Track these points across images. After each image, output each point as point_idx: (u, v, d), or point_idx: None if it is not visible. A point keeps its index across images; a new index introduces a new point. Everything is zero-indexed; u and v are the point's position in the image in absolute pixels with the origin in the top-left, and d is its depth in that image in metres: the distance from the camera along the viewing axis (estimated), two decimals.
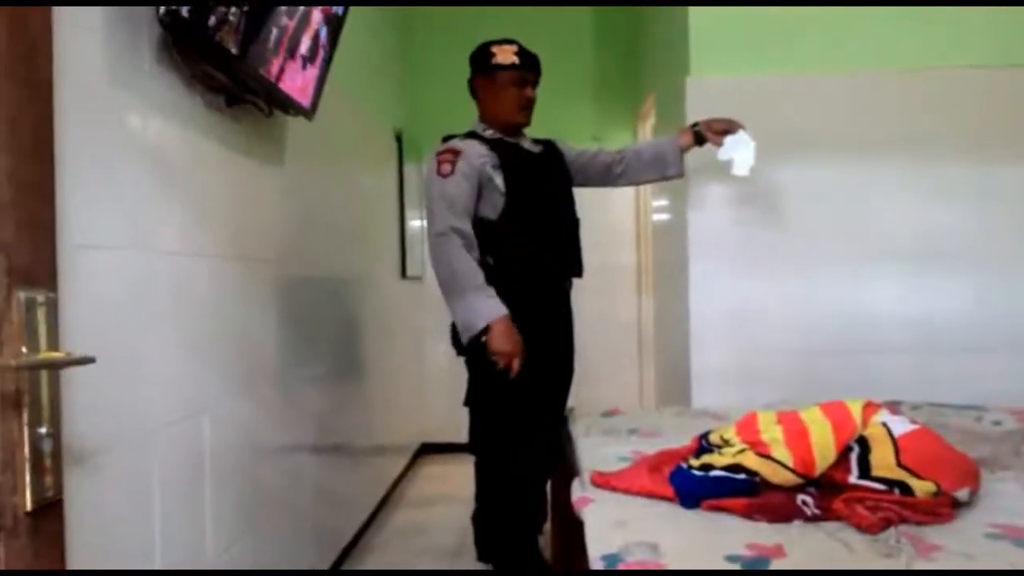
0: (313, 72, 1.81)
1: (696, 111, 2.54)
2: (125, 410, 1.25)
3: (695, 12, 2.59)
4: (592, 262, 2.25)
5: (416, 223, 3.94)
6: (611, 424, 2.15)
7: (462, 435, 2.14)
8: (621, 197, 4.07)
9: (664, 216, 3.19)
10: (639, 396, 4.15)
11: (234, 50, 1.39)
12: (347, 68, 2.51)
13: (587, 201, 2.26)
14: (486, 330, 1.92)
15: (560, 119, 2.59)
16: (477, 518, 2.13)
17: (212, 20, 1.31)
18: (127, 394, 1.25)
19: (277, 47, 1.57)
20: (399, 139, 3.68)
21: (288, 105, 1.79)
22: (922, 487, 1.30)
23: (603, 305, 4.07)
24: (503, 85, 2.08)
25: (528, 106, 2.10)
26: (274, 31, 1.55)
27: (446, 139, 2.13)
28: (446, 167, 2.00)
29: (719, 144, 2.25)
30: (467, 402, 2.06)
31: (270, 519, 1.88)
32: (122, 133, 1.27)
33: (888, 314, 2.57)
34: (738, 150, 2.22)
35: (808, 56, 2.59)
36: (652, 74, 3.53)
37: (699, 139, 2.29)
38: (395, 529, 3.06)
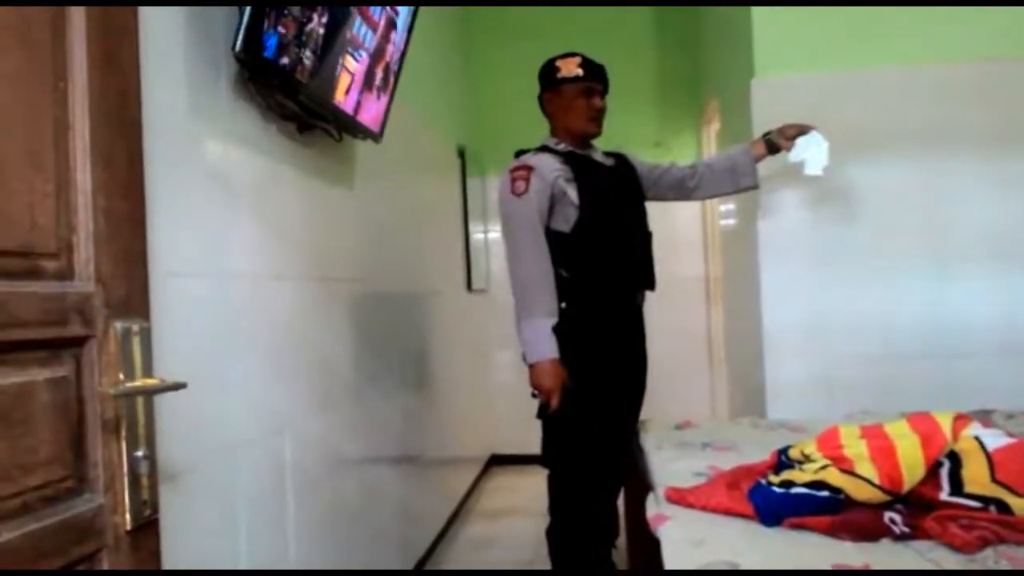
0: (385, 100, 1.86)
1: (762, 113, 2.49)
2: (211, 429, 1.30)
3: (758, 12, 2.54)
4: (660, 273, 2.21)
5: (479, 236, 3.98)
6: (683, 437, 2.12)
7: (530, 447, 2.14)
8: (687, 206, 4.00)
9: (732, 223, 3.12)
10: (711, 408, 4.06)
11: (304, 80, 1.45)
12: (411, 86, 2.57)
13: (652, 212, 2.23)
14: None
15: (622, 125, 2.57)
16: (551, 533, 2.12)
17: (285, 60, 1.36)
18: (213, 414, 1.31)
19: (351, 79, 1.63)
20: (462, 154, 3.73)
21: (358, 130, 1.84)
22: (1020, 505, 1.23)
23: (672, 316, 4.00)
24: (570, 97, 2.08)
25: (597, 116, 2.10)
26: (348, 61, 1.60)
27: (518, 154, 2.14)
28: (520, 184, 2.01)
29: (790, 148, 2.20)
30: (540, 414, 2.06)
31: (349, 531, 1.92)
32: (202, 163, 1.33)
33: (974, 316, 2.44)
34: (810, 150, 2.18)
35: (873, 50, 2.49)
36: (715, 77, 3.48)
37: (771, 147, 2.25)
38: (467, 542, 3.08)
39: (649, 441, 2.08)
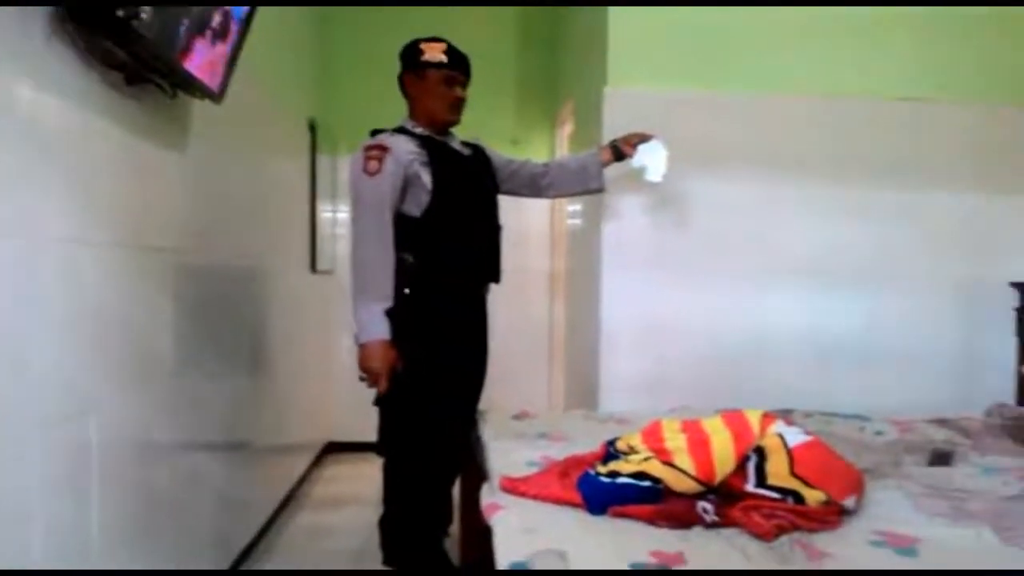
0: (223, 50, 1.71)
1: (613, 120, 2.60)
2: (1, 408, 1.14)
3: (615, 16, 2.63)
4: (508, 266, 2.24)
5: (328, 215, 3.83)
6: (521, 428, 2.16)
7: (369, 434, 2.10)
8: (537, 203, 4.09)
9: (579, 223, 3.23)
10: (548, 400, 4.19)
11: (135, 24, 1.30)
12: (259, 53, 2.41)
13: (505, 206, 2.26)
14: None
15: (481, 119, 2.58)
16: (384, 523, 2.09)
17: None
18: (3, 391, 1.15)
19: (183, 22, 1.48)
20: (313, 128, 3.56)
21: (194, 86, 1.69)
22: (813, 496, 1.37)
23: (516, 309, 4.09)
24: (432, 83, 2.05)
25: (457, 105, 2.09)
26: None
27: (374, 133, 2.07)
28: (373, 164, 1.95)
29: (633, 155, 2.32)
30: (377, 401, 2.01)
31: (163, 520, 1.78)
32: (5, 109, 1.16)
33: (787, 326, 2.71)
34: (651, 157, 2.30)
35: (721, 73, 2.69)
36: (572, 81, 3.58)
37: (617, 154, 2.36)
38: (297, 531, 2.97)
39: (487, 431, 2.10)
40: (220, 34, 1.67)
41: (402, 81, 2.11)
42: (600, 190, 2.42)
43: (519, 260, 4.10)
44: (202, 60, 1.61)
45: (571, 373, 3.44)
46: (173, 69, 1.54)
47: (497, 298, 2.25)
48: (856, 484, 1.45)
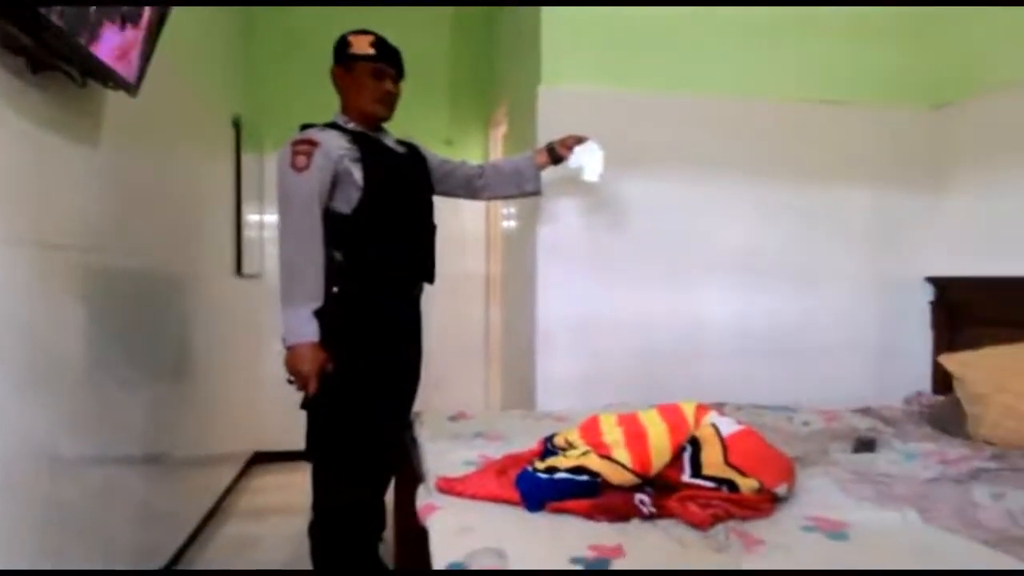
0: (135, 35, 1.62)
1: (547, 120, 2.60)
2: None
3: (548, 16, 2.63)
4: (443, 268, 2.21)
5: (255, 217, 3.71)
6: (457, 428, 2.13)
7: (298, 443, 2.02)
8: (472, 206, 4.08)
9: (514, 226, 3.22)
10: (485, 401, 4.17)
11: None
12: (180, 46, 2.31)
13: (439, 208, 2.22)
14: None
15: (415, 119, 2.54)
16: (314, 529, 2.01)
17: None
18: None
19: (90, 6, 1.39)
20: (237, 126, 3.43)
21: (105, 75, 1.59)
22: (747, 484, 1.39)
23: (452, 312, 4.06)
24: (360, 76, 1.99)
25: (386, 99, 2.03)
26: None
27: (304, 128, 2.00)
28: (301, 160, 1.88)
29: (569, 157, 2.32)
30: (304, 404, 1.94)
31: (71, 536, 1.66)
32: None
33: (718, 321, 2.76)
34: (587, 157, 2.30)
35: (655, 74, 2.72)
36: (506, 81, 3.57)
37: (554, 157, 2.35)
38: (223, 544, 2.84)
39: (423, 432, 2.06)
40: (131, 18, 1.58)
41: (333, 75, 2.05)
42: (536, 193, 2.42)
43: (455, 263, 4.08)
44: (112, 46, 1.52)
45: (508, 374, 3.42)
46: (80, 55, 1.45)
47: (433, 301, 2.22)
48: (787, 472, 1.47)
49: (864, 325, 2.86)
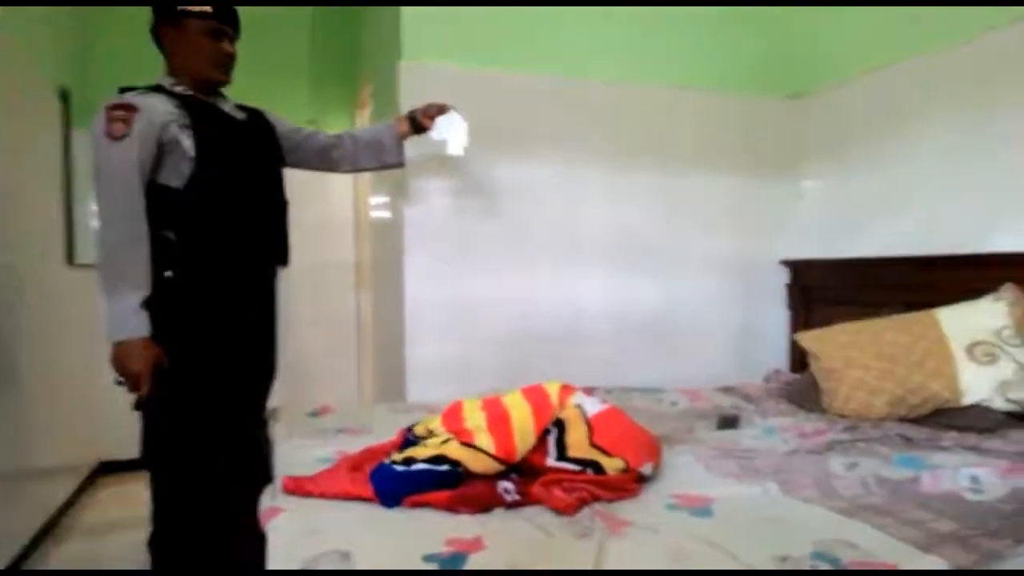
0: None
1: (410, 98, 2.47)
2: None
3: None
4: (309, 257, 2.04)
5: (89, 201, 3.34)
6: (318, 424, 1.98)
7: None
8: (339, 191, 3.90)
9: (382, 211, 3.08)
10: (358, 394, 4.00)
11: None
12: None
13: (303, 195, 2.05)
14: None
15: (271, 100, 2.33)
16: (153, 543, 1.80)
17: None
18: None
19: None
20: (65, 98, 3.05)
21: None
22: (612, 464, 1.34)
23: (321, 302, 3.86)
24: (194, 36, 1.78)
25: (227, 62, 1.83)
26: None
27: (123, 91, 1.76)
28: (118, 126, 1.65)
29: (432, 127, 2.21)
30: (138, 405, 1.72)
31: None
32: None
33: (591, 305, 2.74)
34: (451, 130, 2.20)
35: (527, 55, 2.65)
36: (370, 57, 3.40)
37: (415, 126, 2.22)
38: (64, 563, 2.54)
39: (279, 430, 1.90)
40: None
41: (156, 34, 1.82)
42: (399, 165, 2.28)
43: (322, 251, 3.88)
44: None
45: (380, 365, 3.28)
46: None
47: (301, 291, 2.04)
48: (653, 450, 1.44)
49: (727, 307, 2.95)
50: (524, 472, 1.34)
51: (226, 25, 1.81)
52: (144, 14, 1.83)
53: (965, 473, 1.41)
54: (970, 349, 1.93)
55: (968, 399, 1.88)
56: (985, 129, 2.25)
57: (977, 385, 1.88)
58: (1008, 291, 2.00)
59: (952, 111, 2.36)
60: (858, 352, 2.07)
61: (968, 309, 2.04)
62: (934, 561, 1.05)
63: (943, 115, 2.39)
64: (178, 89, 1.79)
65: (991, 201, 2.24)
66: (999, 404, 1.86)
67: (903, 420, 1.91)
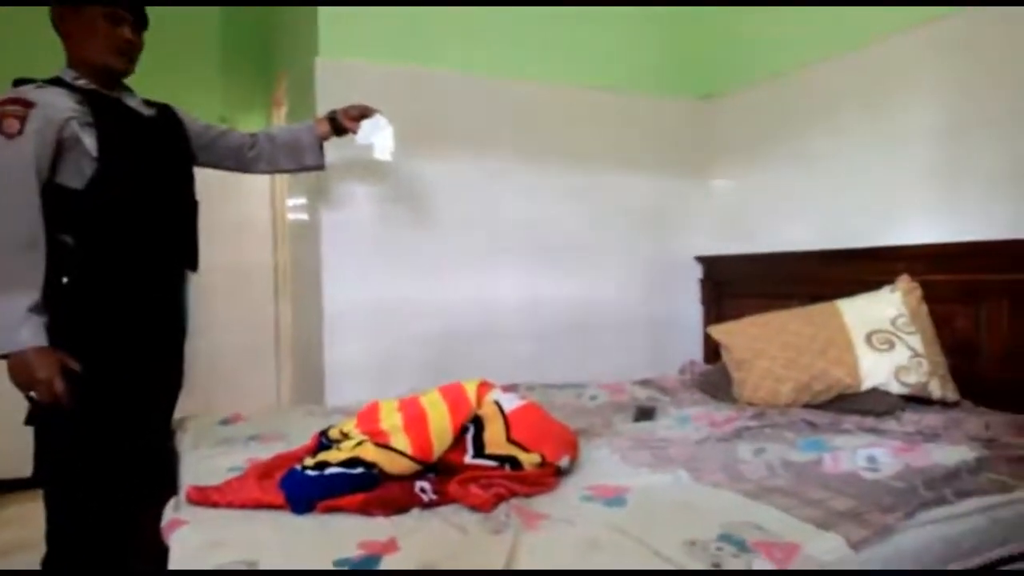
0: None
1: (327, 97, 2.41)
2: None
3: None
4: (225, 258, 1.96)
5: None
6: (228, 432, 1.91)
7: None
8: (257, 192, 3.77)
9: (300, 212, 3.00)
10: (277, 400, 3.88)
11: None
12: None
13: (219, 195, 1.96)
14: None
15: (178, 94, 2.22)
16: (47, 565, 1.69)
17: None
18: None
19: None
20: None
21: None
22: (529, 459, 1.35)
23: (238, 306, 3.73)
24: (90, 20, 1.68)
25: (125, 49, 1.73)
26: None
27: (18, 84, 1.65)
28: (11, 123, 1.55)
29: (356, 130, 2.16)
30: (29, 419, 1.62)
31: None
32: None
33: (512, 303, 2.75)
34: (377, 134, 2.16)
35: (445, 53, 2.63)
36: (284, 54, 3.31)
37: (336, 128, 2.17)
38: None
39: (185, 440, 1.82)
40: None
41: (54, 19, 1.71)
42: (318, 167, 2.23)
43: (240, 253, 3.75)
44: None
45: (299, 370, 3.19)
46: None
47: (216, 295, 1.95)
48: (569, 444, 1.46)
49: (644, 302, 3.01)
50: (442, 471, 1.33)
51: (126, 11, 1.71)
52: (41, 5, 1.72)
53: (863, 454, 1.49)
54: (869, 337, 2.04)
55: (867, 384, 1.98)
56: (882, 128, 2.38)
57: (875, 371, 1.99)
58: (903, 282, 2.12)
59: (852, 112, 2.48)
60: (765, 343, 2.15)
61: (867, 300, 2.15)
62: (832, 537, 1.10)
63: (843, 116, 2.51)
64: (80, 83, 1.69)
65: (888, 197, 2.37)
66: (895, 388, 1.96)
67: (808, 406, 2.00)
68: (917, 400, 1.96)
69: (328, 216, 2.49)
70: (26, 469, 1.66)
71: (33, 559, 2.55)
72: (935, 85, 2.22)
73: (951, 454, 1.47)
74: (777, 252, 2.72)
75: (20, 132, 1.56)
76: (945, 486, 1.30)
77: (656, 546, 1.06)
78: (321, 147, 2.19)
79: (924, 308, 2.07)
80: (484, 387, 1.47)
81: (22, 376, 1.56)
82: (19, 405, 1.63)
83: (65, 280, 1.62)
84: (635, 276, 2.99)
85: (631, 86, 2.97)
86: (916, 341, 2.00)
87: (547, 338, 2.80)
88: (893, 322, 2.05)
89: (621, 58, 2.96)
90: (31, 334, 1.54)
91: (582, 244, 2.88)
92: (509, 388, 1.99)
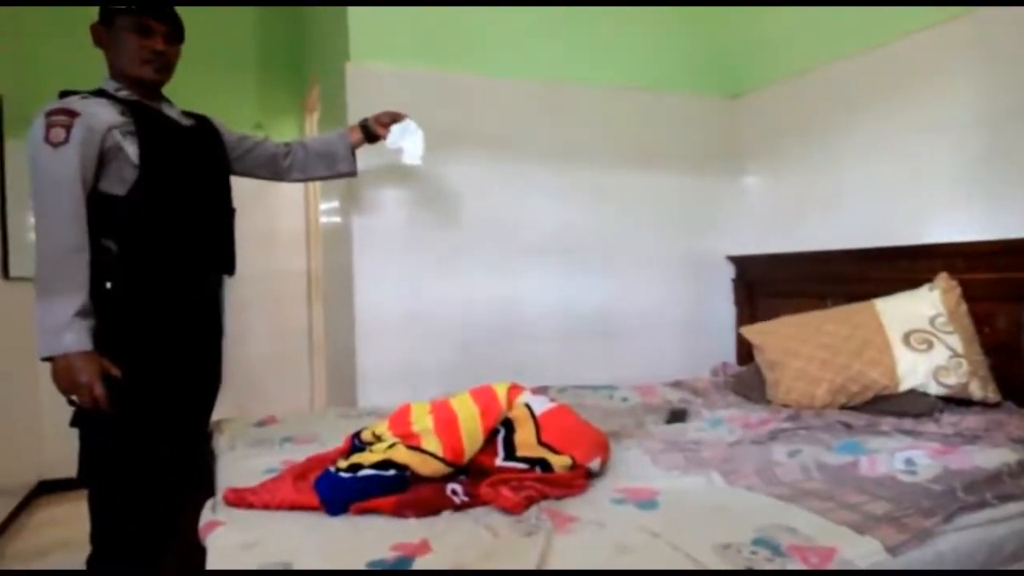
0: None
1: (357, 100, 2.45)
2: None
3: None
4: (261, 266, 1.99)
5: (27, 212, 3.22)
6: (263, 434, 1.94)
7: None
8: (289, 201, 3.83)
9: (332, 216, 3.04)
10: (310, 403, 3.94)
11: None
12: None
13: (253, 203, 2.00)
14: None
15: (220, 103, 2.28)
16: (92, 564, 1.74)
17: None
18: None
19: None
20: None
21: None
22: (559, 462, 1.35)
23: (273, 313, 3.79)
24: (120, 32, 1.73)
25: (155, 60, 1.76)
26: None
27: (64, 95, 1.70)
28: (58, 132, 1.59)
29: (386, 135, 2.19)
30: (75, 422, 1.67)
31: None
32: None
33: (540, 305, 2.75)
34: (406, 139, 2.18)
35: (476, 56, 2.65)
36: (318, 59, 3.36)
37: (368, 135, 2.20)
38: None
39: (222, 442, 1.85)
40: None
41: (95, 35, 1.77)
42: (351, 174, 2.26)
43: (274, 260, 3.81)
44: None
45: (332, 374, 3.23)
46: None
47: (251, 301, 1.99)
48: (600, 446, 1.45)
49: (675, 303, 2.99)
50: (473, 473, 1.34)
51: (155, 21, 1.75)
52: (84, 19, 1.78)
53: (900, 456, 1.46)
54: (906, 337, 2.00)
55: (905, 385, 1.94)
56: (916, 123, 2.33)
57: (913, 371, 1.95)
58: (942, 280, 2.08)
59: (883, 107, 2.43)
60: (800, 343, 2.12)
61: (904, 299, 2.11)
62: (869, 542, 1.08)
63: (874, 112, 2.46)
64: (122, 94, 1.74)
65: (923, 193, 2.32)
66: (934, 389, 1.92)
67: (844, 408, 1.97)
68: (956, 401, 1.91)
69: (359, 221, 2.51)
70: (75, 470, 1.72)
71: (72, 559, 2.63)
72: (969, 79, 2.16)
73: (992, 456, 1.44)
74: (811, 251, 2.68)
75: (66, 141, 1.60)
76: (986, 489, 1.27)
77: (688, 549, 1.05)
78: (354, 154, 2.22)
79: (963, 307, 2.02)
80: (515, 389, 1.47)
81: (65, 380, 1.60)
82: (69, 408, 1.68)
83: (108, 285, 1.66)
84: (666, 276, 2.97)
85: (659, 85, 2.96)
86: (955, 341, 1.96)
87: (577, 340, 2.80)
88: (932, 322, 2.00)
89: (648, 57, 2.95)
90: (75, 338, 1.58)
91: (612, 245, 2.87)
92: (539, 390, 2.00)
